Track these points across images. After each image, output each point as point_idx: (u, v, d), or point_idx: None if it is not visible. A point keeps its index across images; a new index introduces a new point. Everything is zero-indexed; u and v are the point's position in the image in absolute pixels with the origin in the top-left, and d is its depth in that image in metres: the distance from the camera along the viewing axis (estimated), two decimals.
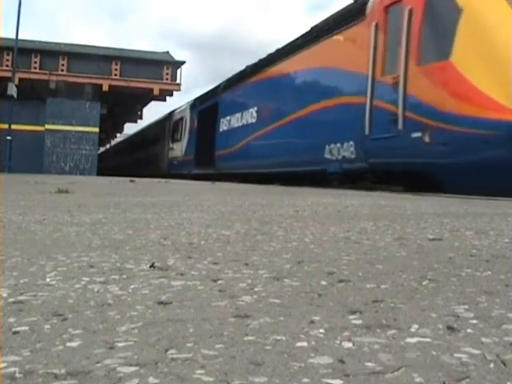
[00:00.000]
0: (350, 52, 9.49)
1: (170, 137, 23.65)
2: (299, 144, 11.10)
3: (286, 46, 12.92)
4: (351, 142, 9.15)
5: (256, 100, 14.06)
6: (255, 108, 13.98)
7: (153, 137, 27.69)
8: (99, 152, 32.87)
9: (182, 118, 21.72)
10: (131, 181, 11.89)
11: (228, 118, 16.20)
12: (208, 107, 18.24)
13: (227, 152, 15.69)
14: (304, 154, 10.81)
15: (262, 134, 13.24)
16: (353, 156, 9.14)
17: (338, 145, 9.56)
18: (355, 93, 9.03)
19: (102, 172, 24.95)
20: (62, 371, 0.69)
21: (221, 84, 17.61)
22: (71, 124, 21.32)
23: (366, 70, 8.74)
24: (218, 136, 16.85)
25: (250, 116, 14.29)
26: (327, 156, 9.95)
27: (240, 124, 15.10)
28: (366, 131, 8.53)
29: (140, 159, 29.95)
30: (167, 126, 24.50)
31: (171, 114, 24.37)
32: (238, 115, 15.23)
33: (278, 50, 13.29)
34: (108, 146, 44.97)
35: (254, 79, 14.37)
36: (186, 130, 20.82)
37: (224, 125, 16.53)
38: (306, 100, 10.94)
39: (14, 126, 19.53)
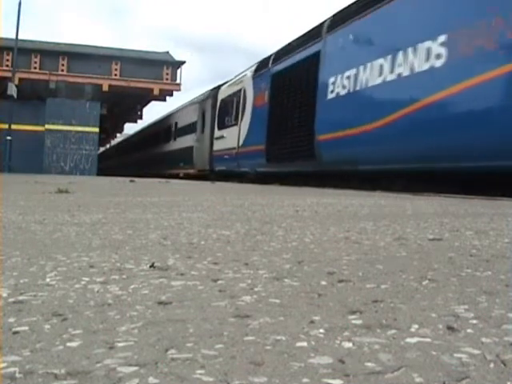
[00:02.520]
0: None
1: (214, 122, 17.42)
2: None
3: None
4: None
5: (442, 25, 6.97)
6: (439, 40, 6.89)
7: (182, 125, 22.25)
8: (103, 150, 32.17)
9: (238, 93, 15.23)
10: (131, 181, 11.92)
11: (349, 73, 9.07)
12: (295, 65, 11.32)
13: (350, 133, 8.85)
14: None
15: (474, 84, 6.25)
16: None
17: None
18: None
19: (106, 173, 24.70)
20: (62, 371, 0.69)
21: (325, 21, 10.50)
22: (71, 124, 21.36)
23: None
24: (322, 108, 9.99)
25: (419, 59, 7.26)
26: None
27: (388, 79, 7.98)
28: None
29: (162, 155, 24.97)
30: (209, 107, 18.35)
31: (216, 89, 18.03)
32: (382, 62, 8.14)
33: None
34: (108, 146, 44.56)
35: None
36: (248, 109, 14.19)
37: (337, 87, 9.43)
38: None
39: (14, 126, 19.58)
